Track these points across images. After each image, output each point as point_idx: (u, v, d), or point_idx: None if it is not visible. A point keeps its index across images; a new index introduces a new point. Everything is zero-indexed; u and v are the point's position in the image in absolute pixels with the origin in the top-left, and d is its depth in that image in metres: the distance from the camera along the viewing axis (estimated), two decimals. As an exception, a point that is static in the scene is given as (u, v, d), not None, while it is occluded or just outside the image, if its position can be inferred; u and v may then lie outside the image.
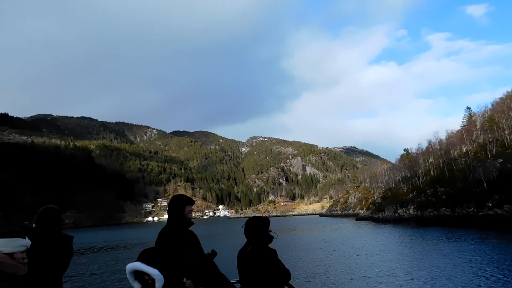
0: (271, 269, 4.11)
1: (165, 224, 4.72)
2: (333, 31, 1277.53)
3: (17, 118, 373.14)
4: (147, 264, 3.30)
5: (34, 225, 4.50)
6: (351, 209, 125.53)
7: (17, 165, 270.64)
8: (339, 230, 70.31)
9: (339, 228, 76.47)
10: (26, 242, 3.16)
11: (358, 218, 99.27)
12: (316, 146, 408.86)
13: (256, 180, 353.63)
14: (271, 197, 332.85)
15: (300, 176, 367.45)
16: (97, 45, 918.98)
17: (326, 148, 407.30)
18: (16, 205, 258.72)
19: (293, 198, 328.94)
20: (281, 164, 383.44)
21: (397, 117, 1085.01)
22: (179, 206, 4.64)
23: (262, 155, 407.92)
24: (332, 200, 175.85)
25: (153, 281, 3.27)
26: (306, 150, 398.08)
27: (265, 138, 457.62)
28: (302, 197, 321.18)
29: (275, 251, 4.24)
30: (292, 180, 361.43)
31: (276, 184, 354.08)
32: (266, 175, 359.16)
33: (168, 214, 4.74)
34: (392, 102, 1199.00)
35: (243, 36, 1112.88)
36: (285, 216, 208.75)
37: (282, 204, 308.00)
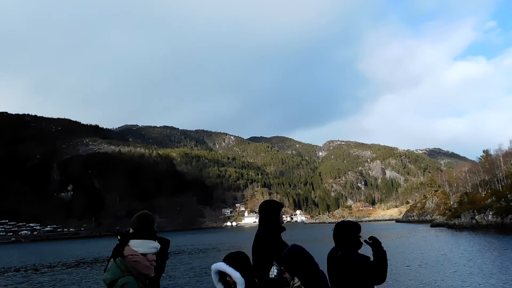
0: (365, 276, 3.98)
1: (253, 229, 4.49)
2: (414, 28, 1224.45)
3: (106, 129, 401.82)
4: (231, 266, 3.39)
5: (131, 230, 4.52)
6: (428, 215, 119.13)
7: (106, 173, 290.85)
8: (406, 237, 67.36)
9: (408, 235, 73.19)
10: (157, 245, 3.44)
11: (433, 224, 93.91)
12: (396, 148, 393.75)
13: (334, 185, 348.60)
14: (350, 202, 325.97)
15: (379, 180, 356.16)
16: (178, 56, 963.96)
17: (407, 150, 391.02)
18: (106, 211, 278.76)
19: (373, 203, 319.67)
20: (360, 168, 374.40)
21: (487, 115, 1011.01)
22: (275, 211, 4.55)
23: (339, 159, 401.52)
24: (409, 205, 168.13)
25: (234, 284, 3.34)
26: (385, 153, 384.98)
27: (342, 141, 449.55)
28: (382, 202, 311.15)
29: (368, 258, 4.08)
30: (371, 184, 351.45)
31: (355, 188, 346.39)
32: (343, 179, 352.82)
33: (261, 219, 4.59)
34: (481, 99, 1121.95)
35: (319, 40, 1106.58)
36: (360, 221, 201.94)
37: (361, 209, 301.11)
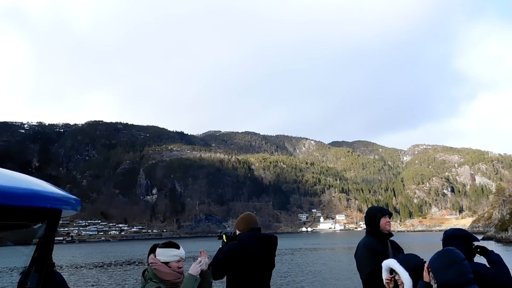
0: (488, 284, 3.59)
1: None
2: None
3: (191, 135, 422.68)
4: (401, 265, 3.39)
5: (237, 232, 4.75)
6: (493, 226, 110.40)
7: (187, 178, 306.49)
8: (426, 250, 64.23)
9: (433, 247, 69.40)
10: (179, 252, 3.58)
11: (485, 237, 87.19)
12: (488, 152, 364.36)
13: (417, 191, 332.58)
14: (434, 209, 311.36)
15: (468, 187, 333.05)
16: (261, 62, 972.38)
17: (501, 155, 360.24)
18: (187, 214, 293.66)
19: (460, 211, 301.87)
20: (446, 173, 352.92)
21: None
22: (374, 218, 4.63)
23: (424, 164, 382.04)
24: (477, 215, 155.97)
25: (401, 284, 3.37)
26: (475, 157, 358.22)
27: (428, 145, 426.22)
28: (470, 210, 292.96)
29: (484, 265, 3.79)
30: (459, 191, 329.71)
31: (440, 195, 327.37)
32: (427, 185, 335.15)
33: (366, 226, 4.84)
34: None
35: (409, 38, 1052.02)
36: (430, 231, 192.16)
37: (447, 217, 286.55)
